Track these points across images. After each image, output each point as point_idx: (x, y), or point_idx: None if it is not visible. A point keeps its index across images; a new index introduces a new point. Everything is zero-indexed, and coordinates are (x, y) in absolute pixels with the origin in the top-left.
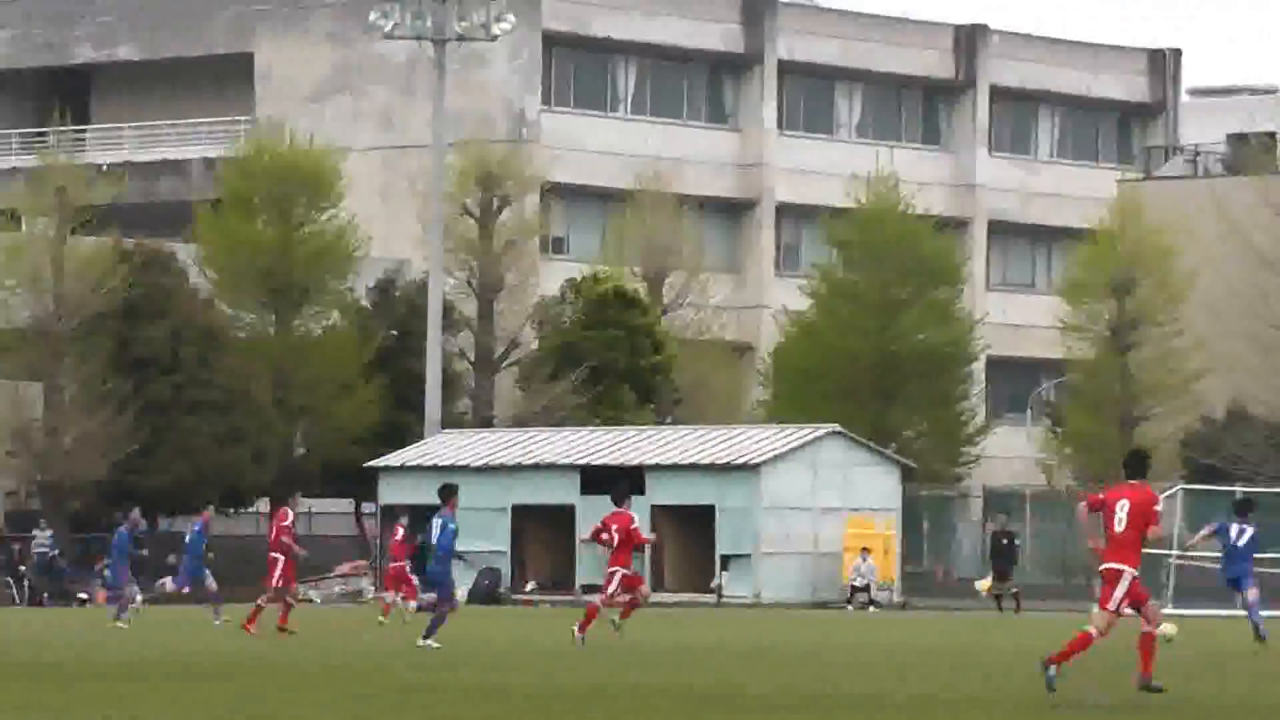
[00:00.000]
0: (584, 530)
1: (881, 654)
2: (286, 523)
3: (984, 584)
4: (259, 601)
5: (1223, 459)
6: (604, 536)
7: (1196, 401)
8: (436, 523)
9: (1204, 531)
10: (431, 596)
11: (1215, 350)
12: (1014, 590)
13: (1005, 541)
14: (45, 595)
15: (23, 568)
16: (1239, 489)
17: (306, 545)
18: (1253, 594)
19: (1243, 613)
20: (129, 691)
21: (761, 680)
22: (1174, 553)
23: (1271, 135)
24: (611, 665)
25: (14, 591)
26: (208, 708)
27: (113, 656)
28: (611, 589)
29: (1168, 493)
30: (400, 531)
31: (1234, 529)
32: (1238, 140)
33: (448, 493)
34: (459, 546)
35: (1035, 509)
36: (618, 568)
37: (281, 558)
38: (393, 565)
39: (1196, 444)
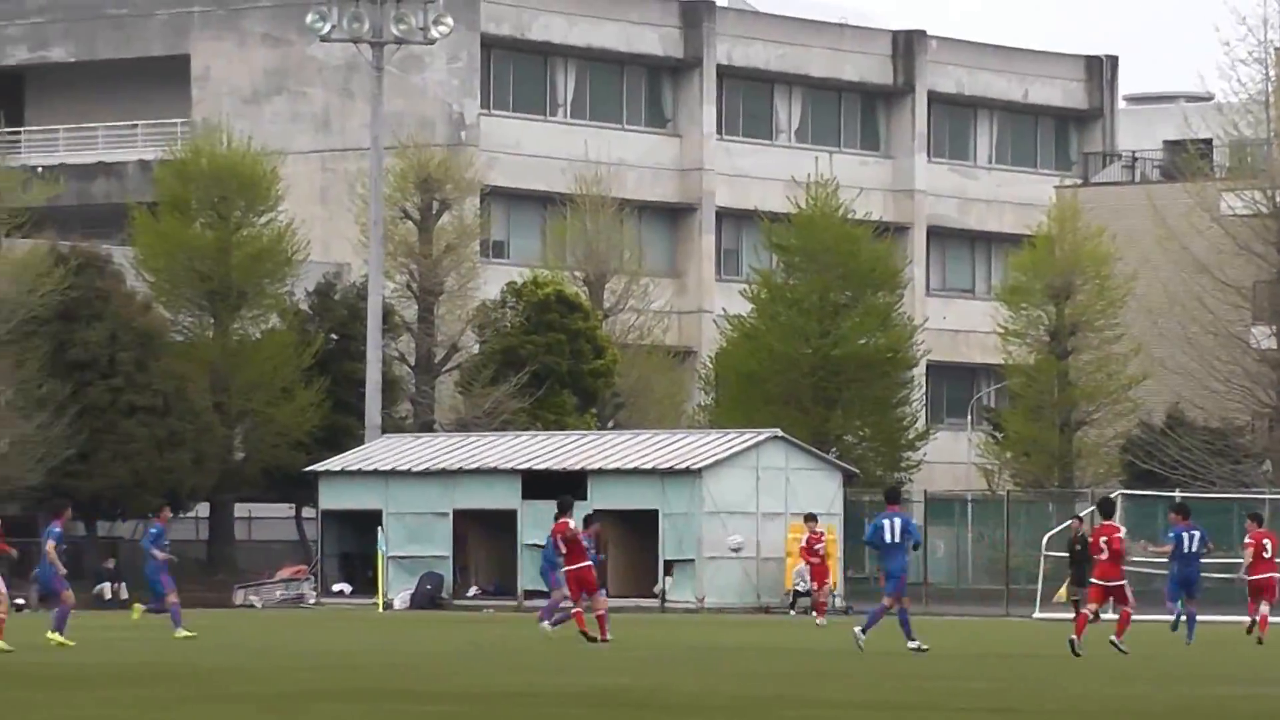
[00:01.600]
0: (529, 536)
1: (823, 658)
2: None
3: (1061, 591)
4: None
5: (1161, 464)
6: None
7: (1135, 406)
8: (893, 522)
9: (1167, 546)
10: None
11: (1153, 355)
12: None
13: (1080, 548)
14: None
15: None
16: (1178, 494)
17: (247, 550)
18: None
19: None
20: (71, 698)
21: (700, 684)
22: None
23: (1207, 142)
24: (549, 670)
25: None
26: (140, 711)
27: (46, 660)
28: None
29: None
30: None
31: (1185, 535)
32: (1174, 146)
33: (895, 495)
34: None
35: (976, 514)
36: (1110, 580)
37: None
38: (817, 563)
39: (1135, 449)
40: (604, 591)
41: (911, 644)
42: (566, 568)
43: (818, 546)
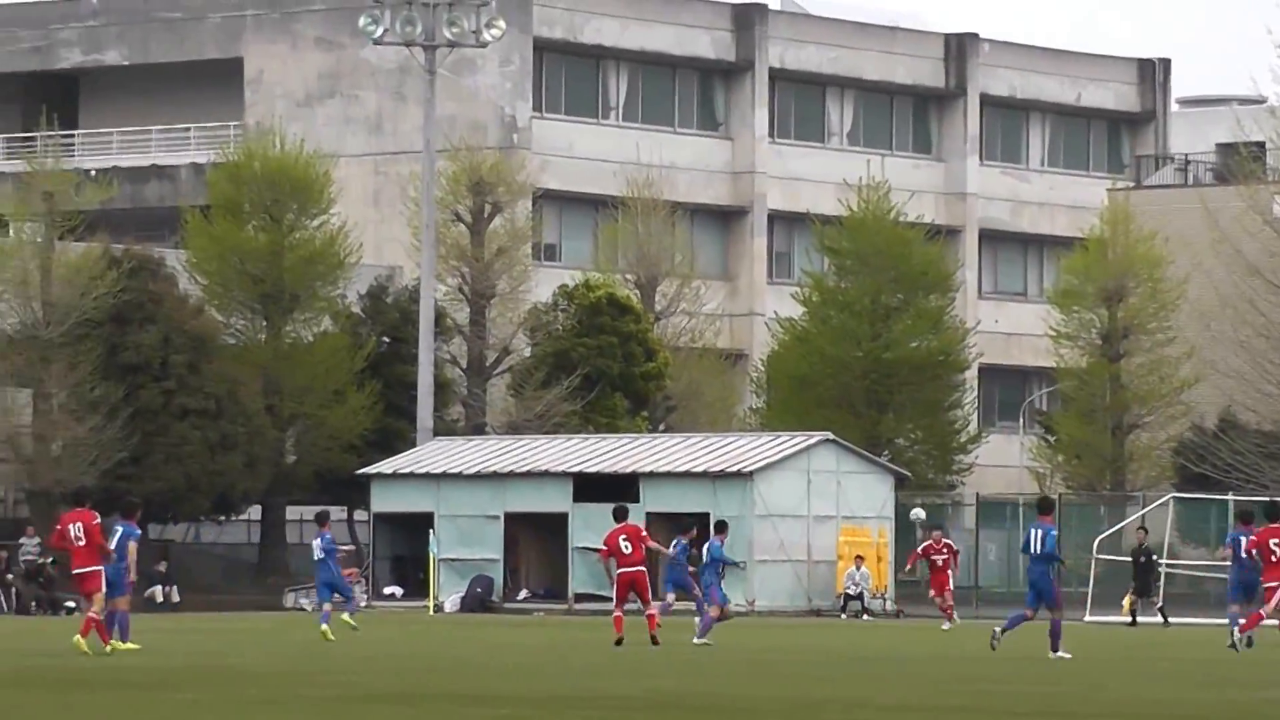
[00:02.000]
0: (580, 539)
1: (873, 662)
2: None
3: (1125, 601)
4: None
5: (1214, 467)
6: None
7: (1188, 409)
8: (1037, 532)
9: (1225, 549)
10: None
11: (1206, 358)
12: (1158, 605)
13: (1143, 560)
14: (33, 604)
15: (10, 575)
16: (1231, 498)
17: (298, 553)
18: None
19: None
20: (126, 701)
21: (750, 688)
22: (1164, 561)
23: (1260, 145)
24: (600, 674)
25: (1, 599)
26: (193, 715)
27: (104, 665)
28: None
29: (1159, 501)
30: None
31: (1243, 539)
32: (1227, 149)
33: (1046, 506)
34: None
35: (1028, 517)
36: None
37: None
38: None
39: (1188, 452)
40: (722, 598)
41: (1054, 654)
42: (620, 569)
43: (934, 556)
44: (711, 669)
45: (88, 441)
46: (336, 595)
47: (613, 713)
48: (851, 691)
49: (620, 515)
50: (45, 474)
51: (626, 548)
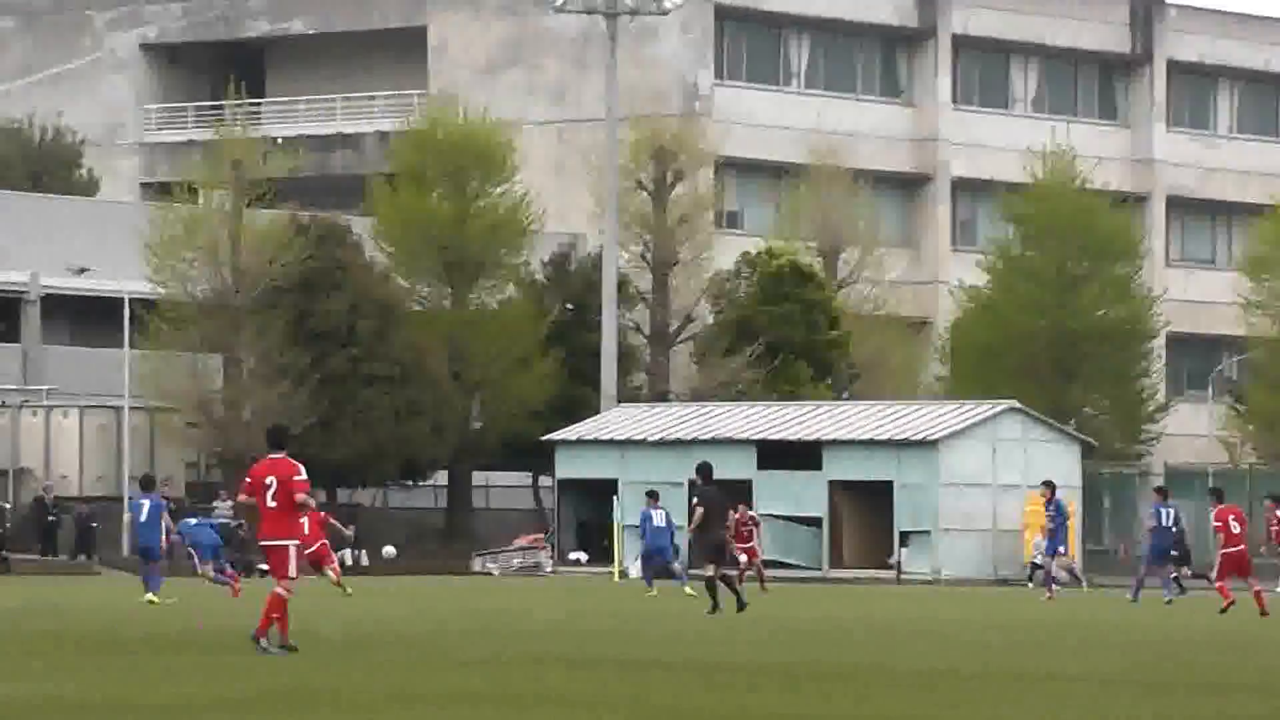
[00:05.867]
0: (764, 506)
1: (1061, 632)
2: None
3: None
4: None
5: None
6: None
7: None
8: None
9: None
10: None
11: None
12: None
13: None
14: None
15: None
16: None
17: (484, 519)
18: None
19: None
20: (300, 663)
21: (926, 658)
22: None
23: None
24: (751, 643)
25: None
26: (376, 676)
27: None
28: None
29: None
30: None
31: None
32: None
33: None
34: None
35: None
36: None
37: None
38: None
39: None
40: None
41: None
42: (1226, 549)
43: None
44: (894, 640)
45: (277, 407)
46: None
47: (742, 677)
48: (1037, 663)
49: (1219, 496)
50: (236, 439)
51: (1235, 528)
